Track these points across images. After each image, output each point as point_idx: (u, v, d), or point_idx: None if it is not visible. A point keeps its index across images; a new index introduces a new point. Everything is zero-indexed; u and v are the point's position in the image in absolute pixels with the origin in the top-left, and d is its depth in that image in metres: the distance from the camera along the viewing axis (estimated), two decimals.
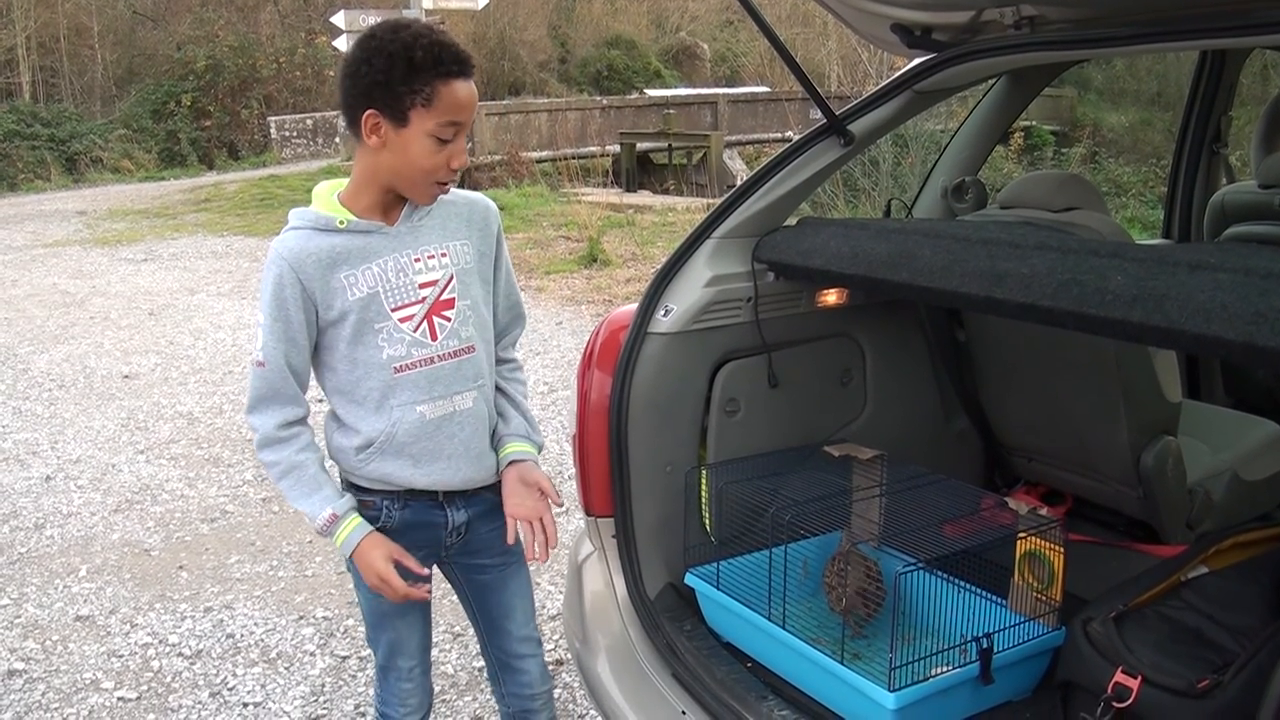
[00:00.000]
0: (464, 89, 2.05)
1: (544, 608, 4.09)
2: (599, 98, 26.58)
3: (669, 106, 23.75)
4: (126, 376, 7.68)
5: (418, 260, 2.15)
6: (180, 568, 4.60)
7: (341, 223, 2.10)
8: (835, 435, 2.72)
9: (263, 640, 3.96)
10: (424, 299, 2.16)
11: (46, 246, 13.79)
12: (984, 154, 3.22)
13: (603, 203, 15.44)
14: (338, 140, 24.14)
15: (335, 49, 15.56)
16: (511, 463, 2.33)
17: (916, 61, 2.47)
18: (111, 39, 28.71)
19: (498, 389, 2.37)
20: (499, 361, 2.39)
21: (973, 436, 3.06)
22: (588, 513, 2.57)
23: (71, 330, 9.14)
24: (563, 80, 33.37)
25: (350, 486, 2.26)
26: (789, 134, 23.40)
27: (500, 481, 2.33)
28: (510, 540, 2.31)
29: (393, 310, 2.13)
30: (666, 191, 19.94)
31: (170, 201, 18.31)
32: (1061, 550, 2.14)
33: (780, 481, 2.42)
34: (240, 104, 26.68)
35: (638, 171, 21.59)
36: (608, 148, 21.89)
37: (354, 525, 2.18)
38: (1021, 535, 2.18)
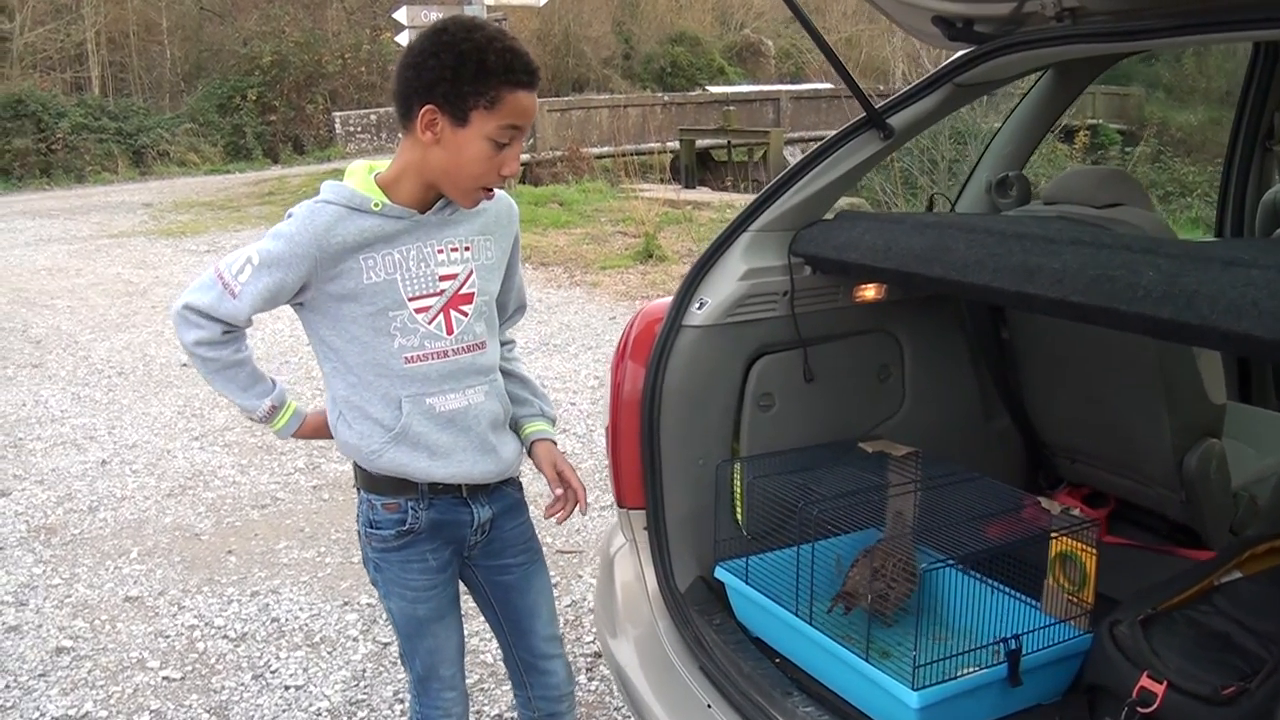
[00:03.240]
0: (528, 98, 2.02)
1: (585, 599, 4.10)
2: (660, 94, 26.56)
3: (729, 103, 23.69)
4: (184, 365, 7.79)
5: (440, 252, 2.13)
6: (229, 552, 4.67)
7: (377, 205, 2.07)
8: (871, 432, 2.70)
9: (307, 625, 4.01)
10: (443, 291, 2.13)
11: (111, 237, 14.04)
12: (1029, 149, 3.17)
13: (661, 199, 15.43)
14: (401, 136, 24.29)
15: (399, 44, 15.65)
16: (535, 441, 2.36)
17: (958, 54, 2.44)
18: (180, 34, 29.15)
19: (504, 371, 2.34)
20: (499, 344, 2.36)
21: (1014, 436, 3.02)
22: (620, 504, 2.57)
23: (133, 319, 9.30)
24: (626, 76, 33.42)
25: (371, 490, 2.24)
26: None
27: (519, 479, 2.38)
28: (553, 480, 2.34)
29: (409, 300, 2.10)
30: (725, 188, 19.90)
31: (234, 194, 18.58)
32: (1094, 552, 2.11)
33: (813, 477, 2.40)
34: (305, 99, 26.98)
35: (697, 168, 21.55)
36: (668, 144, 21.86)
37: (291, 412, 2.25)
38: (1054, 536, 2.15)
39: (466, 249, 2.16)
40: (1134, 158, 17.75)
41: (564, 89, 30.52)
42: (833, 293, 2.61)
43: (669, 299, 2.55)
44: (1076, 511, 2.17)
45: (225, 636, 3.94)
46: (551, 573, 4.26)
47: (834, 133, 2.59)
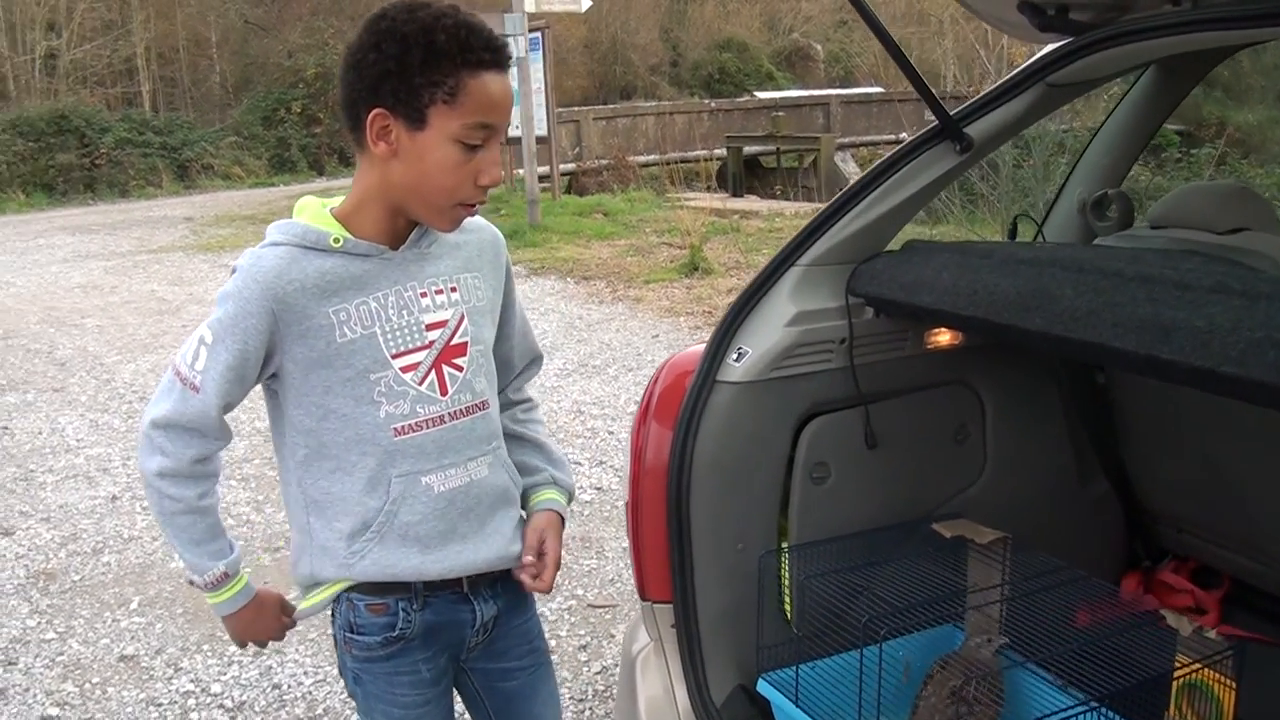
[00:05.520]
0: (497, 83, 1.63)
1: (618, 665, 3.68)
2: (707, 100, 26.18)
3: (778, 109, 23.25)
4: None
5: (424, 295, 1.74)
6: None
7: (337, 241, 1.69)
8: (946, 505, 2.25)
9: (310, 693, 3.61)
10: (431, 343, 1.74)
11: (150, 252, 13.82)
12: (1129, 161, 2.70)
13: (707, 208, 14.99)
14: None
15: None
16: (538, 511, 1.94)
17: (1049, 48, 2.01)
18: (227, 49, 29.18)
19: (516, 436, 1.96)
20: (512, 404, 1.99)
21: (1112, 502, 2.55)
22: (643, 597, 2.14)
23: (161, 339, 9.00)
24: (674, 83, 33.12)
25: (352, 587, 1.83)
26: (903, 135, 22.76)
27: None
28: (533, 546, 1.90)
29: (393, 357, 1.72)
30: (774, 196, 19.44)
31: (277, 207, 18.36)
32: (1233, 685, 1.66)
33: (877, 574, 1.96)
34: None
35: (745, 175, 21.12)
36: (714, 151, 21.47)
37: (241, 586, 1.85)
38: (1183, 670, 1.69)
39: (453, 289, 1.78)
40: (1198, 161, 17.00)
41: (611, 97, 30.25)
42: (899, 339, 2.17)
43: (700, 347, 2.12)
44: (1213, 634, 1.70)
45: (221, 706, 3.56)
46: (580, 631, 3.88)
47: (889, 137, 2.17)
